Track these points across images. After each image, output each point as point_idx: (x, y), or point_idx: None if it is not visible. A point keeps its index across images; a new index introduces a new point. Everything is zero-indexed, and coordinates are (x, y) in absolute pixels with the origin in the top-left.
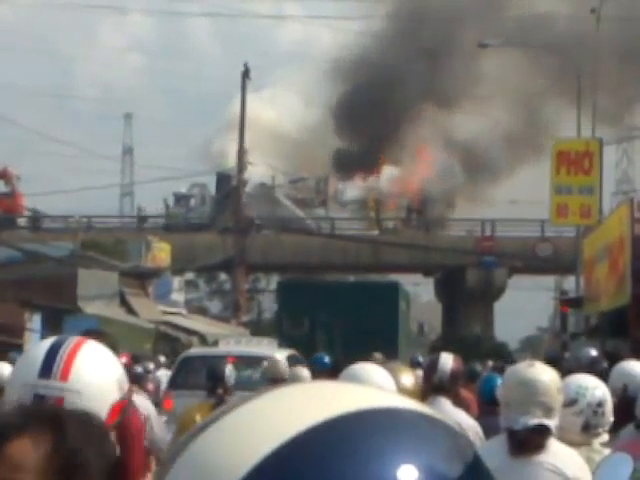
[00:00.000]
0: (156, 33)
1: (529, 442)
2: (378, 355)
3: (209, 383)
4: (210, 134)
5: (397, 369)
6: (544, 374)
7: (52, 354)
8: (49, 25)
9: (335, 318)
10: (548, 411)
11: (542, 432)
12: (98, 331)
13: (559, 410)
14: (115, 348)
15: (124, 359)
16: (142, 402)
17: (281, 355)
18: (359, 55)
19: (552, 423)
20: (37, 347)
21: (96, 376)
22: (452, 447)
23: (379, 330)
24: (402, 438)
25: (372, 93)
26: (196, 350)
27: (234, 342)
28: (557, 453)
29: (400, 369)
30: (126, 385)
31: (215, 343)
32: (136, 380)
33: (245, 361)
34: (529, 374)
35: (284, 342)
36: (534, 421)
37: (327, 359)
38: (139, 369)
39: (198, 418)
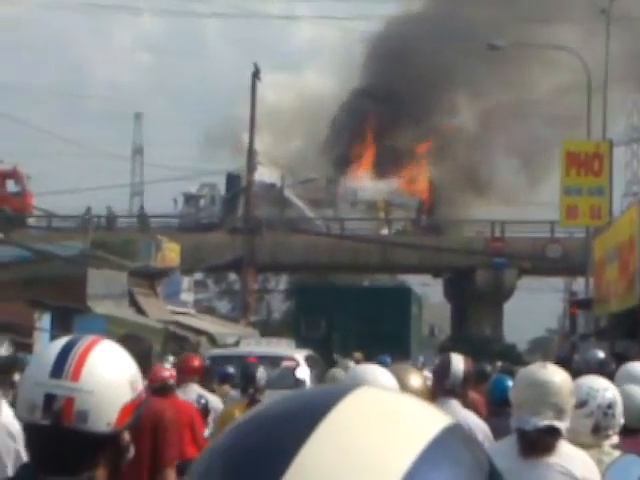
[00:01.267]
0: (167, 33)
1: (539, 443)
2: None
3: (242, 383)
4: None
5: (406, 370)
6: (556, 376)
7: (64, 354)
8: (60, 25)
9: (350, 321)
10: (559, 413)
11: (552, 434)
12: (135, 336)
13: (570, 412)
14: (150, 352)
15: (196, 362)
16: (212, 399)
17: (300, 355)
18: (382, 46)
19: (563, 425)
20: (50, 347)
21: (108, 376)
22: (475, 460)
23: (392, 332)
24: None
25: (397, 85)
26: (219, 350)
27: (254, 343)
28: (568, 455)
29: (409, 370)
30: (139, 385)
31: (236, 344)
32: (226, 379)
33: (266, 361)
34: (541, 375)
35: (301, 343)
36: (544, 422)
37: (389, 360)
38: (230, 369)
39: (237, 414)
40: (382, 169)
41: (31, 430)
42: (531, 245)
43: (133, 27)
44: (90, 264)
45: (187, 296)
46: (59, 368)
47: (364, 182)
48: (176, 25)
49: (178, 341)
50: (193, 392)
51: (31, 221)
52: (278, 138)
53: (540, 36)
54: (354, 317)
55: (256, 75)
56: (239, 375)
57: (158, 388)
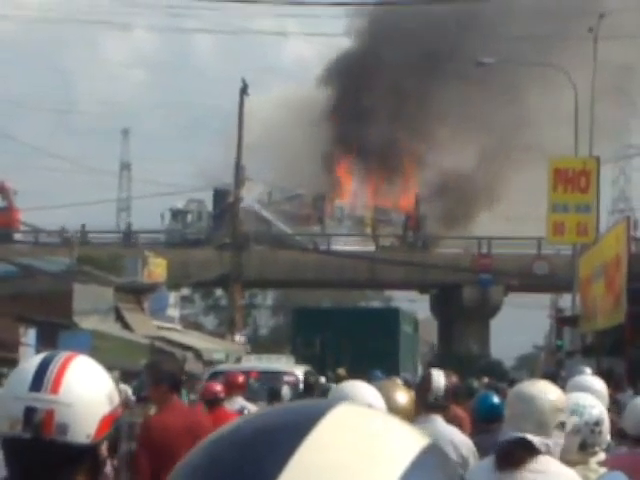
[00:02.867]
0: (157, 49)
1: (515, 455)
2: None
3: (268, 399)
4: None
5: (392, 387)
6: (542, 392)
7: (43, 368)
8: (50, 40)
9: (342, 339)
10: (540, 428)
11: (526, 447)
12: (164, 359)
13: (556, 429)
14: (179, 373)
15: (241, 378)
16: (254, 410)
17: (300, 371)
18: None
19: (541, 440)
20: (29, 361)
21: (87, 389)
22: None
23: (381, 350)
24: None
25: (384, 98)
26: (223, 366)
27: (255, 359)
28: (556, 473)
29: (395, 387)
30: (117, 399)
31: (238, 360)
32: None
33: (267, 376)
34: (527, 391)
35: (298, 360)
36: (517, 434)
37: (380, 373)
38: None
39: None
40: (369, 184)
41: (11, 444)
42: (518, 262)
43: (124, 43)
44: (76, 279)
45: (173, 312)
46: (38, 381)
47: (351, 198)
48: (167, 41)
49: (164, 357)
50: (237, 404)
51: (17, 236)
52: (266, 154)
53: (528, 54)
54: (346, 336)
55: (244, 91)
56: (267, 393)
57: (210, 400)
